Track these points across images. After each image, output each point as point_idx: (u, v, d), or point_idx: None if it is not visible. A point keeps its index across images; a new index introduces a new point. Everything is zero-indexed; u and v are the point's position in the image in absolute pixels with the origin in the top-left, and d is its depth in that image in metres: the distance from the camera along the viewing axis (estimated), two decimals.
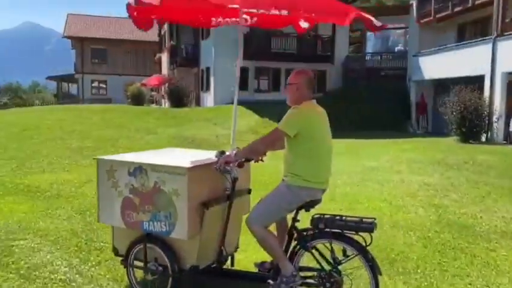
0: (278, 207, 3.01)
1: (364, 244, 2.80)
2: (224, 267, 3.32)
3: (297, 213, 2.99)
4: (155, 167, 3.02)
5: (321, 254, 2.96)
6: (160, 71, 31.96)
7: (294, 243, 3.05)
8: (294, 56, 20.81)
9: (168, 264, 3.08)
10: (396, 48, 24.30)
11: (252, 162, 3.37)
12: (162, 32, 29.58)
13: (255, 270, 3.30)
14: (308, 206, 2.98)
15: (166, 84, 25.90)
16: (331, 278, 2.88)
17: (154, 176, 3.02)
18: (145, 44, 38.24)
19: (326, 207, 3.60)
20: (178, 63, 24.10)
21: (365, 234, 2.80)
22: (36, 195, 6.13)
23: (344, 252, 2.88)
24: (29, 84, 59.66)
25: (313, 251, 2.97)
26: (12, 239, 4.38)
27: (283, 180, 3.02)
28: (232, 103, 3.37)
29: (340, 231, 2.87)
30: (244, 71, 20.69)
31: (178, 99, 20.97)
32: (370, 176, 7.98)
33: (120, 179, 3.16)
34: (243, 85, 20.66)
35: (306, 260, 3.12)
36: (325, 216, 2.94)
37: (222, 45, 20.13)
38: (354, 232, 2.84)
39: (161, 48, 32.59)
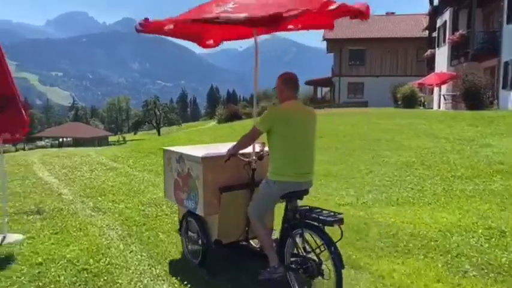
0: (264, 200, 3.41)
1: (329, 236, 3.00)
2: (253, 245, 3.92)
3: (287, 204, 3.34)
4: (187, 157, 3.78)
5: (305, 242, 3.22)
6: (429, 69, 27.75)
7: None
8: None
9: (201, 236, 3.81)
10: None
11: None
12: (438, 24, 25.26)
13: None
14: (288, 196, 3.28)
15: (448, 83, 21.83)
16: (304, 265, 3.16)
17: (188, 164, 3.77)
18: (408, 41, 34.73)
19: None
20: (471, 56, 19.50)
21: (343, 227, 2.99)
22: None
23: None
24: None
25: (298, 238, 3.26)
26: None
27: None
28: None
29: (311, 222, 3.10)
30: None
31: (477, 99, 16.64)
32: None
33: (173, 165, 4.04)
34: None
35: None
36: (304, 208, 3.24)
37: None
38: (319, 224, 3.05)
39: (431, 43, 28.44)
